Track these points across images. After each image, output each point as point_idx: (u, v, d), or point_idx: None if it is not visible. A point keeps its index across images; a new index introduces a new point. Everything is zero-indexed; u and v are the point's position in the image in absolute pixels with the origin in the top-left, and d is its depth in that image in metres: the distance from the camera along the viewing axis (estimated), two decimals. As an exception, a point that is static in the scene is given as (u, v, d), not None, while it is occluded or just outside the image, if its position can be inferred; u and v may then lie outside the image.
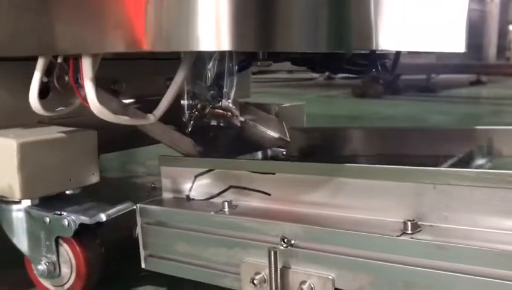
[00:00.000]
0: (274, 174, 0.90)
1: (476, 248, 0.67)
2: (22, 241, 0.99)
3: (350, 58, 1.13)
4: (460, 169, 0.74)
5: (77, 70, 0.87)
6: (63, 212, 0.94)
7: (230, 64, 1.08)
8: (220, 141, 1.23)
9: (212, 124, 1.13)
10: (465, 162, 0.97)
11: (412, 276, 0.71)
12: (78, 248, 0.96)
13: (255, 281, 0.82)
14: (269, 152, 1.29)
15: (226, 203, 0.91)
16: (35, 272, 0.99)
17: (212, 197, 0.97)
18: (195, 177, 0.99)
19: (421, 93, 5.36)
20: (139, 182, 1.96)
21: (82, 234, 0.95)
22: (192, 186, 0.99)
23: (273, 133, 1.31)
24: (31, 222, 0.97)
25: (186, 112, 1.05)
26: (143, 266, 0.98)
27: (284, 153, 1.30)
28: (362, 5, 0.73)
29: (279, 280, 0.78)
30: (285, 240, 0.80)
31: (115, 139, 1.18)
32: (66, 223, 0.93)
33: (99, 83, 0.86)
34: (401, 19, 0.82)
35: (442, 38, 0.99)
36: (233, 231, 0.87)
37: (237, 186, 0.94)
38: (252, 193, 0.93)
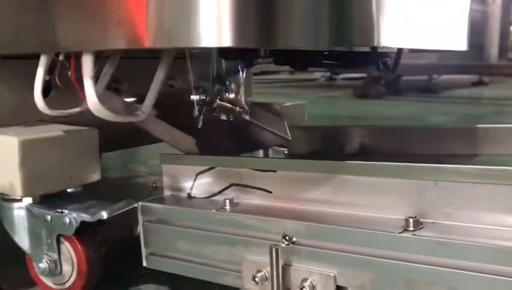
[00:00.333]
0: (275, 171, 0.90)
1: (478, 245, 0.67)
2: (23, 239, 0.99)
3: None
4: (463, 166, 0.74)
5: (79, 68, 0.87)
6: (64, 210, 0.94)
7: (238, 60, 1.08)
8: (221, 140, 1.23)
9: (219, 118, 1.12)
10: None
11: (414, 273, 0.71)
12: (79, 246, 0.96)
13: (257, 279, 0.82)
14: (270, 151, 1.29)
15: (228, 201, 0.91)
16: (36, 270, 0.99)
17: (214, 195, 0.97)
18: (197, 175, 0.99)
19: (422, 94, 5.36)
20: (141, 181, 1.96)
21: (83, 232, 0.95)
22: (193, 185, 0.99)
23: (274, 132, 1.32)
24: (32, 219, 0.97)
25: (196, 107, 1.05)
26: (144, 264, 0.98)
27: (286, 151, 1.30)
28: (364, 2, 0.73)
29: (280, 278, 0.78)
30: (287, 237, 0.80)
31: (117, 138, 1.17)
32: (67, 221, 0.93)
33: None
34: (403, 16, 0.81)
35: (444, 36, 0.99)
36: (234, 229, 0.87)
37: (239, 184, 0.94)
38: (254, 190, 0.93)
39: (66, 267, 0.97)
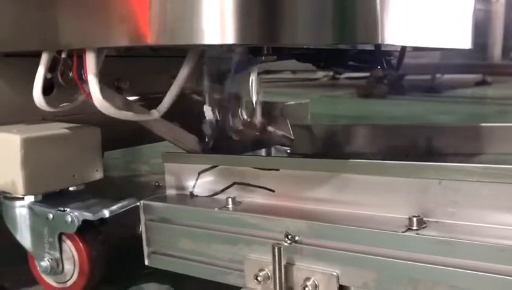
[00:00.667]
0: (278, 170, 0.90)
1: (483, 244, 0.67)
2: (25, 238, 0.98)
3: (355, 55, 1.12)
4: (467, 164, 0.73)
5: (81, 66, 0.87)
6: (66, 209, 0.94)
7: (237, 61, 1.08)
8: (223, 139, 1.23)
9: (215, 120, 1.12)
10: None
11: (418, 272, 0.70)
12: (81, 245, 0.95)
13: (259, 278, 0.81)
14: (273, 150, 1.29)
15: (230, 200, 0.90)
16: (38, 268, 0.99)
17: (216, 193, 0.96)
18: (199, 173, 0.98)
19: (425, 94, 5.34)
20: (143, 180, 1.95)
21: (85, 230, 0.95)
22: (195, 183, 0.99)
23: (277, 131, 1.31)
24: (34, 218, 0.97)
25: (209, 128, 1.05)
26: (146, 263, 0.98)
27: (288, 150, 1.29)
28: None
29: (283, 277, 0.78)
30: (289, 236, 0.80)
31: (119, 137, 1.17)
32: (69, 219, 0.93)
33: (103, 79, 0.85)
34: (407, 14, 0.81)
35: (448, 34, 0.99)
36: (237, 228, 0.86)
37: (241, 183, 0.94)
38: (256, 189, 0.92)
39: (68, 266, 0.97)
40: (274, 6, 0.65)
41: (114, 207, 0.94)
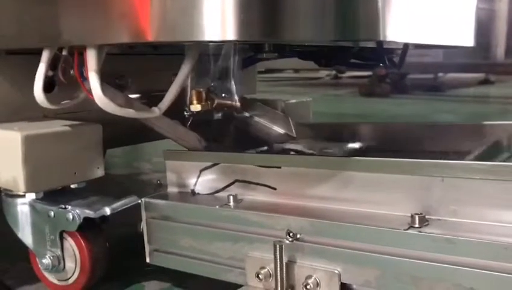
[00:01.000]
0: (280, 168, 0.89)
1: (485, 242, 0.66)
2: (26, 235, 0.98)
3: (357, 52, 1.12)
4: (470, 162, 0.73)
5: (82, 64, 0.87)
6: (67, 206, 0.94)
7: (235, 58, 1.08)
8: (226, 137, 1.22)
9: (217, 118, 1.12)
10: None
11: (420, 270, 0.70)
12: (82, 242, 0.95)
13: (260, 276, 0.81)
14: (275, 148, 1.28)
15: (232, 198, 0.90)
16: (39, 266, 0.99)
17: (218, 191, 0.96)
18: (200, 171, 0.98)
19: (428, 93, 5.33)
20: (145, 179, 1.95)
21: (86, 228, 0.95)
22: (197, 181, 0.98)
23: (279, 129, 1.31)
24: (36, 215, 0.97)
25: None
26: (148, 260, 0.98)
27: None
28: (369, -5, 0.72)
29: (284, 275, 0.77)
30: (291, 234, 0.79)
31: (120, 134, 1.17)
32: (71, 217, 0.93)
33: (104, 77, 0.85)
34: (409, 11, 0.80)
35: (451, 31, 0.98)
36: (238, 225, 0.86)
37: (243, 181, 0.93)
38: (258, 187, 0.92)
39: (69, 264, 0.97)
40: (275, 2, 0.65)
41: (115, 205, 0.94)
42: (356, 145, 1.16)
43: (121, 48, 1.13)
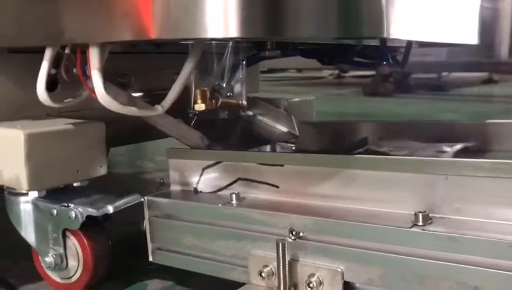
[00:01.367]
0: (282, 166, 0.89)
1: (489, 240, 0.66)
2: (29, 234, 0.98)
3: (361, 50, 1.12)
4: (474, 160, 0.72)
5: (85, 62, 0.87)
6: (70, 205, 0.94)
7: (238, 57, 1.08)
8: (229, 135, 1.22)
9: (221, 117, 1.12)
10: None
11: (423, 268, 0.70)
12: (85, 240, 0.95)
13: (263, 274, 0.81)
14: (278, 146, 1.28)
15: (234, 196, 0.90)
16: (42, 264, 0.99)
17: (220, 189, 0.96)
18: (203, 169, 0.98)
19: (431, 92, 5.32)
20: (149, 177, 1.95)
21: (89, 226, 0.95)
22: (199, 179, 0.98)
23: (282, 128, 1.31)
24: (38, 214, 0.97)
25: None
26: (150, 259, 0.98)
27: (293, 147, 1.29)
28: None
29: (287, 273, 0.77)
30: (294, 232, 0.79)
31: (123, 133, 1.17)
32: (73, 215, 0.93)
33: (107, 76, 0.85)
34: (413, 8, 0.80)
35: (455, 29, 0.98)
36: (241, 224, 0.86)
37: (245, 179, 0.93)
38: (260, 185, 0.92)
39: (72, 262, 0.97)
40: (278, -1, 0.65)
41: (118, 203, 0.94)
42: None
43: (124, 46, 1.12)
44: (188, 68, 0.90)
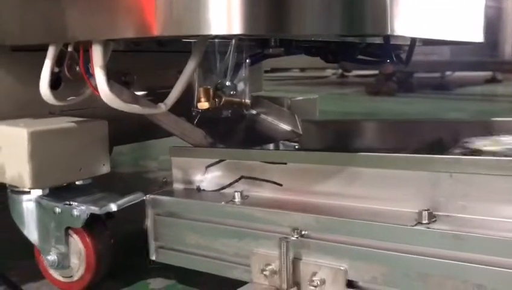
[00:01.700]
0: (286, 164, 0.89)
1: (494, 238, 0.65)
2: (32, 232, 0.98)
3: (364, 48, 1.11)
4: (479, 157, 0.72)
5: (88, 60, 0.87)
6: (73, 203, 0.94)
7: (241, 56, 1.07)
8: (232, 134, 1.22)
9: (224, 115, 1.12)
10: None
11: (428, 267, 0.69)
12: (87, 239, 0.95)
13: (266, 272, 0.81)
14: (281, 145, 1.28)
15: (237, 194, 0.89)
16: (44, 262, 0.99)
17: (223, 187, 0.96)
18: (206, 168, 0.98)
19: (435, 91, 5.30)
20: (151, 177, 1.95)
21: (92, 224, 0.94)
22: (203, 177, 0.98)
23: (285, 126, 1.30)
24: (41, 212, 0.96)
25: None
26: (153, 257, 0.97)
27: (296, 146, 1.28)
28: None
29: (290, 271, 0.77)
30: (297, 230, 0.79)
31: (126, 131, 1.17)
32: (76, 213, 0.93)
33: (110, 74, 0.85)
34: (417, 5, 0.80)
35: (460, 27, 0.97)
36: (244, 222, 0.85)
37: (248, 177, 0.93)
38: (264, 183, 0.91)
39: (74, 260, 0.97)
40: (281, -4, 0.64)
41: (121, 201, 0.94)
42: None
43: (127, 44, 1.12)
44: (191, 66, 0.90)
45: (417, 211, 0.73)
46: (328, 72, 7.69)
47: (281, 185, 0.90)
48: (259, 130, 1.28)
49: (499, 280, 0.65)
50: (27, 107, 1.02)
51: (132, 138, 1.42)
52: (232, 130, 1.22)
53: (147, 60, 1.26)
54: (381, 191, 0.79)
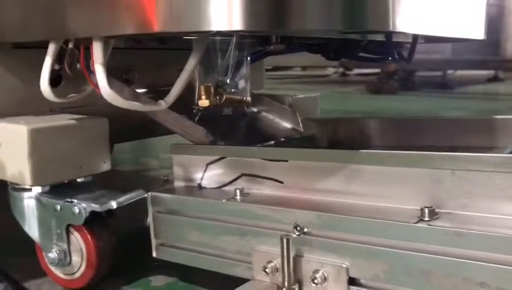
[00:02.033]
0: (287, 161, 0.88)
1: (496, 235, 0.65)
2: (33, 229, 0.98)
3: (366, 45, 1.11)
4: (481, 154, 0.71)
5: (88, 57, 0.86)
6: (73, 200, 0.94)
7: (243, 53, 1.07)
8: (233, 132, 1.22)
9: (225, 113, 1.12)
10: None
11: (429, 264, 0.69)
12: (88, 236, 0.95)
13: (267, 270, 0.80)
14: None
15: (238, 191, 0.89)
16: (46, 260, 0.99)
17: (224, 185, 0.95)
18: (207, 165, 0.97)
19: (437, 90, 5.30)
20: (152, 175, 1.95)
21: (93, 222, 0.94)
22: (203, 175, 0.98)
23: (286, 124, 1.30)
24: (42, 209, 0.96)
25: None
26: (154, 255, 0.97)
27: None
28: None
29: (291, 269, 0.77)
30: (298, 227, 0.78)
31: (127, 129, 1.17)
32: (77, 210, 0.93)
33: (111, 72, 0.85)
34: (419, 1, 0.79)
35: (461, 24, 0.97)
36: (245, 219, 0.85)
37: (249, 174, 0.92)
38: (265, 181, 0.91)
39: (76, 258, 0.97)
40: (282, -9, 0.64)
41: (122, 199, 0.94)
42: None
43: (128, 42, 1.12)
44: (191, 63, 0.90)
45: (419, 208, 0.73)
46: (330, 70, 7.69)
47: (282, 182, 0.89)
48: (260, 128, 1.28)
49: (501, 277, 0.64)
50: (27, 105, 1.01)
51: (133, 135, 1.42)
52: (233, 128, 1.22)
53: (148, 57, 1.26)
54: (383, 188, 0.79)
